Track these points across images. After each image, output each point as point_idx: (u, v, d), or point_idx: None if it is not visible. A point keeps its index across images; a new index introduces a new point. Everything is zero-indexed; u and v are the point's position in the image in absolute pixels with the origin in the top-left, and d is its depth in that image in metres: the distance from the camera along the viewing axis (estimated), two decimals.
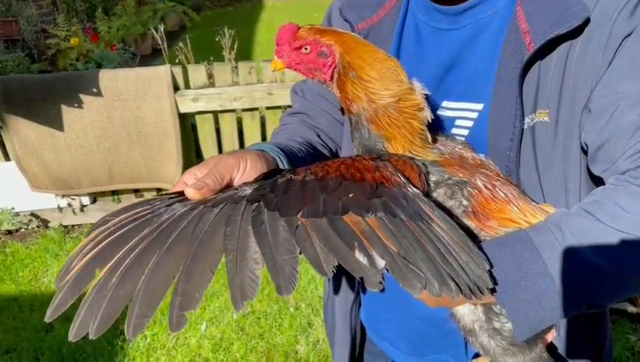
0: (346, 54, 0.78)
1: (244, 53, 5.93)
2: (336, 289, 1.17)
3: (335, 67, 0.80)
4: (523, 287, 0.69)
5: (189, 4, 8.97)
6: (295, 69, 0.82)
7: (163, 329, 2.85)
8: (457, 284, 0.58)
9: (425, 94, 0.80)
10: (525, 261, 0.70)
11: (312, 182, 0.63)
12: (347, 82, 0.78)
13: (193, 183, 0.69)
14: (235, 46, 4.65)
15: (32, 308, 3.08)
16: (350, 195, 0.60)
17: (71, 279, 0.59)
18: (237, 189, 0.66)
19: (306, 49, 0.79)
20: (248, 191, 0.64)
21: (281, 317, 2.89)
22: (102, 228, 0.64)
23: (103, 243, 0.61)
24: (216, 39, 4.74)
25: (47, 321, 0.58)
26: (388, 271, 0.57)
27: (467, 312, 0.79)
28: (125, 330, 0.55)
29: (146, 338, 2.80)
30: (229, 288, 0.55)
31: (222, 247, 0.57)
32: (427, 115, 0.79)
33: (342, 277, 1.14)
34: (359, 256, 0.56)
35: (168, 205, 0.65)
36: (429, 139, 0.81)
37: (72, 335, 0.56)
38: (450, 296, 0.58)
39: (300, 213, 0.58)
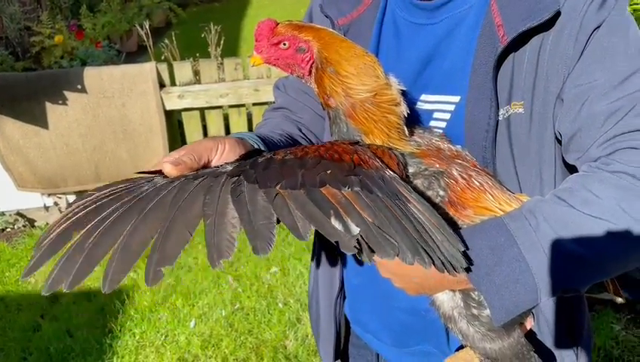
0: (324, 50, 0.79)
1: (231, 50, 5.90)
2: (321, 284, 1.18)
3: (313, 62, 0.81)
4: (498, 272, 0.71)
5: (175, 0, 8.91)
6: (274, 65, 0.82)
7: (151, 327, 2.85)
8: (430, 256, 0.61)
9: (401, 90, 0.81)
10: (500, 246, 0.72)
11: (292, 160, 0.64)
12: (325, 77, 0.80)
13: (171, 159, 0.71)
14: (222, 42, 4.63)
15: (20, 308, 3.07)
16: (328, 171, 0.62)
17: (49, 242, 0.61)
18: (217, 167, 0.68)
19: (284, 45, 0.80)
20: (229, 168, 0.66)
21: (269, 313, 2.90)
22: (83, 200, 0.66)
23: (83, 211, 0.63)
24: (202, 35, 4.72)
25: (22, 280, 0.60)
26: (362, 238, 0.59)
27: (446, 299, 0.81)
28: (102, 285, 0.56)
29: (134, 336, 2.80)
30: (207, 248, 0.56)
31: (200, 212, 0.58)
32: (403, 109, 0.81)
33: (326, 271, 1.15)
34: (335, 223, 0.58)
35: (149, 180, 0.67)
36: (406, 132, 0.82)
37: (46, 289, 0.57)
38: (423, 266, 0.60)
39: (279, 185, 0.59)
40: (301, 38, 0.80)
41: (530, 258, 0.70)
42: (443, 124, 0.90)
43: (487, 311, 0.75)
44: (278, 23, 0.81)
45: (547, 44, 0.81)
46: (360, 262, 1.05)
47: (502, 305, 0.72)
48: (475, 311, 0.78)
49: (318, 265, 1.18)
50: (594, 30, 0.79)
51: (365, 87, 0.78)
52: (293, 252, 3.36)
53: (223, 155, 0.79)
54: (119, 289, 3.13)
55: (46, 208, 3.75)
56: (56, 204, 3.75)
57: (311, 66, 0.81)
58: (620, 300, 2.71)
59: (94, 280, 3.24)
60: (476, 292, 0.77)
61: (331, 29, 0.86)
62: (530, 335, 0.89)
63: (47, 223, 3.76)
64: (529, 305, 0.73)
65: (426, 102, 0.92)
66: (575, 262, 0.70)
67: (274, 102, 1.22)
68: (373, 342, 1.14)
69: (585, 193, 0.72)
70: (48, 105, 3.35)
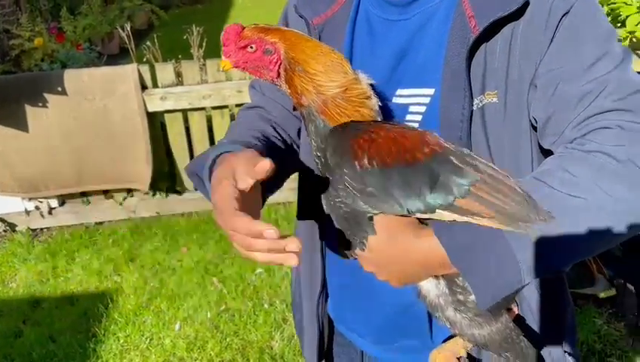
0: (290, 50, 0.81)
1: (214, 51, 5.87)
2: (303, 284, 1.17)
3: (281, 63, 0.82)
4: (481, 255, 0.71)
5: (157, 2, 8.85)
6: (243, 68, 0.84)
7: (136, 331, 2.82)
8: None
9: (370, 83, 0.83)
10: (483, 230, 0.72)
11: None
12: (295, 77, 0.81)
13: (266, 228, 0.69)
14: (204, 44, 4.61)
15: (1, 313, 3.02)
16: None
17: None
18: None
19: (251, 48, 0.82)
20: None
21: (255, 314, 2.89)
22: None
23: None
24: (185, 37, 4.70)
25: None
26: None
27: (432, 288, 0.82)
28: None
29: (118, 340, 2.77)
30: None
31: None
32: (375, 102, 0.82)
33: (307, 270, 1.15)
34: None
35: None
36: None
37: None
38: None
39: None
40: (267, 40, 0.81)
41: (511, 239, 0.70)
42: (419, 117, 0.91)
43: (473, 297, 0.76)
44: (245, 27, 0.82)
45: (518, 33, 0.83)
46: (341, 259, 1.05)
47: (486, 288, 0.73)
48: (460, 297, 0.79)
49: (299, 264, 1.18)
50: (562, 16, 0.81)
51: (335, 83, 0.80)
52: None
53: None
54: (102, 292, 3.10)
55: (27, 212, 3.70)
56: (37, 208, 3.70)
57: (279, 68, 0.83)
58: (602, 295, 2.75)
59: (77, 284, 3.21)
60: (460, 278, 0.77)
61: (296, 30, 0.87)
62: (519, 320, 0.90)
63: (29, 228, 3.71)
64: (513, 288, 0.73)
65: (402, 96, 0.93)
66: (556, 241, 0.71)
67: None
68: (358, 340, 1.14)
69: (562, 173, 0.73)
70: (28, 108, 3.31)
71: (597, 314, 2.72)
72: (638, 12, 3.16)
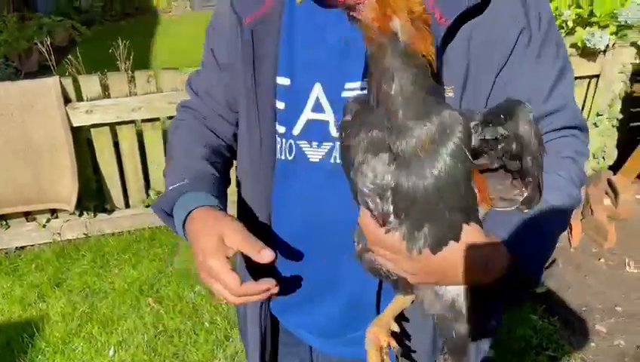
0: None
1: (142, 65, 5.67)
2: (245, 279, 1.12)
3: None
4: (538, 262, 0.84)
5: (79, 18, 8.51)
6: None
7: (65, 359, 2.63)
8: None
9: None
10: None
11: None
12: None
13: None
14: (131, 57, 4.46)
15: None
16: None
17: None
18: None
19: None
20: None
21: (195, 334, 2.77)
22: None
23: None
24: (110, 51, 4.53)
25: None
26: None
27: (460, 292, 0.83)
28: None
29: None
30: None
31: None
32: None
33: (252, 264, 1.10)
34: None
35: None
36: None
37: None
38: None
39: None
40: None
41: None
42: None
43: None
44: None
45: (479, 33, 0.84)
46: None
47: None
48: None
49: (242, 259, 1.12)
50: (520, 32, 0.85)
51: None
52: None
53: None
54: (27, 321, 2.87)
55: None
56: None
57: None
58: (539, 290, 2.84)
59: None
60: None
61: None
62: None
63: None
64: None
65: (350, 90, 0.89)
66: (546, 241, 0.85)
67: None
68: (306, 336, 1.10)
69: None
70: None
71: (532, 310, 2.81)
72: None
